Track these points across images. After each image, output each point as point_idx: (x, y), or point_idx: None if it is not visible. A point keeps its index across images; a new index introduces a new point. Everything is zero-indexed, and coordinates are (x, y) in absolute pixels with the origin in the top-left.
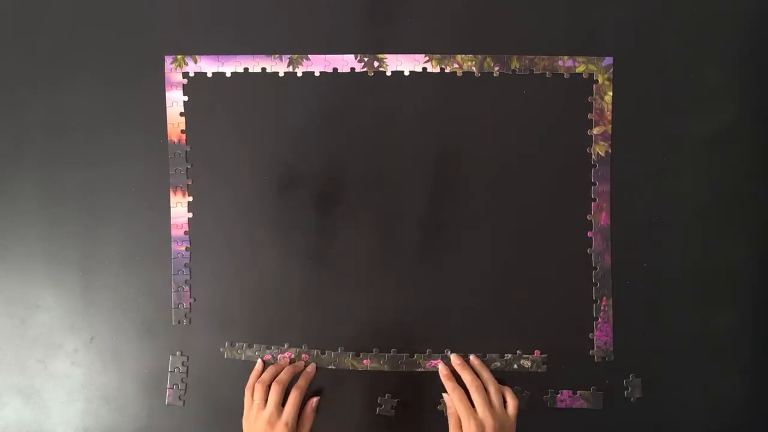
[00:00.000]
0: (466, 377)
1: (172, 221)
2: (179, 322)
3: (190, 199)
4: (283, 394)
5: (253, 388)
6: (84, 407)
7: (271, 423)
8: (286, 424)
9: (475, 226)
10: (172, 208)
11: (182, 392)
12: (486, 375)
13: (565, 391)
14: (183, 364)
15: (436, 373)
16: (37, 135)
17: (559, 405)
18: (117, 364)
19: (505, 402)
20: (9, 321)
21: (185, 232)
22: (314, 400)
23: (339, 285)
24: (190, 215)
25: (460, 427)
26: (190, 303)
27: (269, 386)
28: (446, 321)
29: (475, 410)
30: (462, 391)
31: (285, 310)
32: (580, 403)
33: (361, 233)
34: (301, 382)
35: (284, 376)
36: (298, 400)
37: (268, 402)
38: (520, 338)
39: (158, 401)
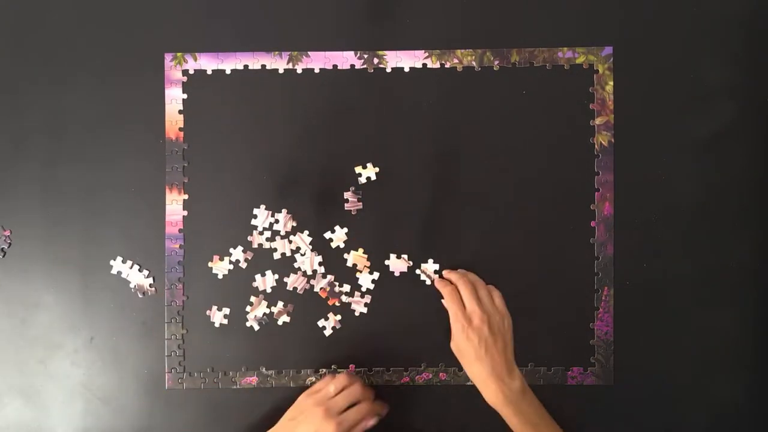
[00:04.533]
0: (453, 276)
1: (167, 218)
2: (172, 320)
3: (186, 196)
4: (354, 398)
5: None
6: (84, 407)
7: (329, 412)
8: (339, 424)
9: (478, 217)
10: (167, 206)
11: (181, 376)
12: (473, 276)
13: (575, 368)
14: (180, 345)
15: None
16: (38, 134)
17: (570, 382)
18: (117, 364)
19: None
20: (9, 321)
21: (179, 230)
22: (370, 421)
23: (337, 284)
24: (185, 213)
25: None
26: (183, 301)
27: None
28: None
29: (465, 306)
30: (453, 288)
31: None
32: (591, 380)
33: (361, 230)
34: (376, 406)
35: (368, 389)
36: (362, 413)
37: (340, 396)
38: (522, 327)
39: (158, 401)
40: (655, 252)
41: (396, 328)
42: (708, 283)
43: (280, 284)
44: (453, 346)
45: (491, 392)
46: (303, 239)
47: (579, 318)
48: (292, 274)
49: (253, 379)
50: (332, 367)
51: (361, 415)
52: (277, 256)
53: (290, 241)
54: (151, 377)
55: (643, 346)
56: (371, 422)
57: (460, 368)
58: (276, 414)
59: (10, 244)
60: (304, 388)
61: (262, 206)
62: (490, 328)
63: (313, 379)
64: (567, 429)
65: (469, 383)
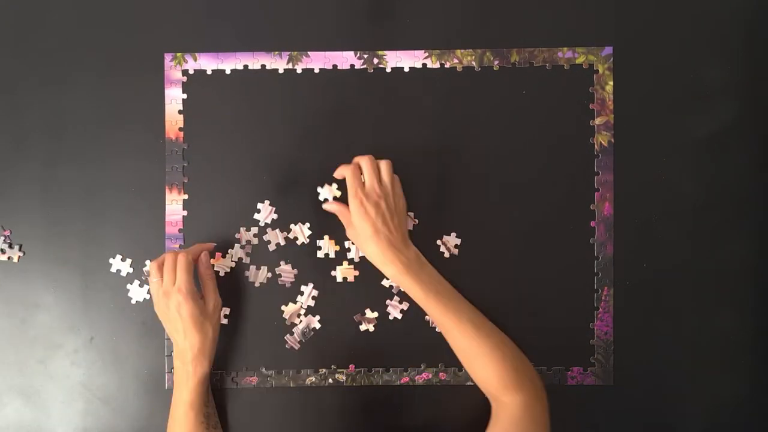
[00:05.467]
0: (361, 159)
1: (167, 218)
2: None
3: (186, 197)
4: (175, 264)
5: (150, 269)
6: (84, 407)
7: (167, 292)
8: (179, 290)
9: (478, 217)
10: (167, 206)
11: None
12: (382, 161)
13: (575, 368)
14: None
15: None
16: (38, 134)
17: (570, 382)
18: (117, 364)
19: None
20: (9, 321)
21: (179, 230)
22: (203, 256)
23: (337, 285)
24: (185, 213)
25: (350, 220)
26: None
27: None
28: None
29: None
30: (355, 167)
31: (279, 311)
32: (591, 380)
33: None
34: (192, 249)
35: (178, 252)
36: (186, 264)
37: (164, 275)
38: (522, 328)
39: (158, 401)
40: (655, 252)
41: (396, 329)
42: (708, 283)
43: (274, 277)
44: (350, 231)
45: (389, 263)
46: (303, 230)
47: (579, 318)
48: (281, 263)
49: (253, 379)
50: (332, 366)
51: (186, 265)
52: (272, 248)
53: (290, 230)
54: (151, 377)
55: (643, 346)
56: (203, 257)
57: (460, 368)
58: (276, 414)
59: (10, 244)
60: (304, 388)
61: (266, 201)
62: (387, 204)
63: (313, 379)
64: (567, 429)
65: (469, 383)
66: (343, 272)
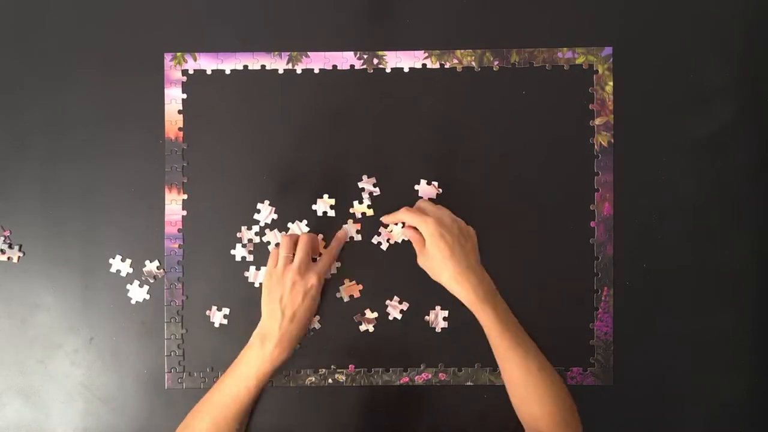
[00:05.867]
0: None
1: (166, 218)
2: (172, 320)
3: (185, 196)
4: (311, 247)
5: (280, 245)
6: (84, 407)
7: (301, 272)
8: (318, 275)
9: (477, 217)
10: (166, 206)
11: (181, 376)
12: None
13: (575, 368)
14: (179, 345)
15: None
16: (38, 133)
17: (570, 382)
18: (117, 364)
19: None
20: (9, 321)
21: (179, 230)
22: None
23: (337, 285)
24: (185, 213)
25: (423, 246)
26: (183, 300)
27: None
28: (447, 310)
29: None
30: (408, 208)
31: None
32: (590, 380)
33: (360, 230)
34: (334, 244)
35: (312, 234)
36: (331, 259)
37: (296, 253)
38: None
39: (158, 401)
40: (655, 252)
41: (396, 329)
42: (708, 283)
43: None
44: (422, 258)
45: (467, 288)
46: (302, 230)
47: (579, 318)
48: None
49: None
50: (332, 367)
51: (331, 260)
52: (272, 248)
53: (289, 230)
54: (151, 377)
55: (643, 346)
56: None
57: (460, 368)
58: (276, 414)
59: (10, 244)
60: (304, 388)
61: (266, 201)
62: (460, 229)
63: (313, 379)
64: None
65: (469, 383)
66: (347, 290)
